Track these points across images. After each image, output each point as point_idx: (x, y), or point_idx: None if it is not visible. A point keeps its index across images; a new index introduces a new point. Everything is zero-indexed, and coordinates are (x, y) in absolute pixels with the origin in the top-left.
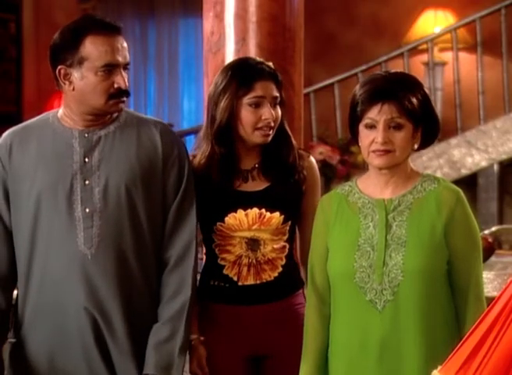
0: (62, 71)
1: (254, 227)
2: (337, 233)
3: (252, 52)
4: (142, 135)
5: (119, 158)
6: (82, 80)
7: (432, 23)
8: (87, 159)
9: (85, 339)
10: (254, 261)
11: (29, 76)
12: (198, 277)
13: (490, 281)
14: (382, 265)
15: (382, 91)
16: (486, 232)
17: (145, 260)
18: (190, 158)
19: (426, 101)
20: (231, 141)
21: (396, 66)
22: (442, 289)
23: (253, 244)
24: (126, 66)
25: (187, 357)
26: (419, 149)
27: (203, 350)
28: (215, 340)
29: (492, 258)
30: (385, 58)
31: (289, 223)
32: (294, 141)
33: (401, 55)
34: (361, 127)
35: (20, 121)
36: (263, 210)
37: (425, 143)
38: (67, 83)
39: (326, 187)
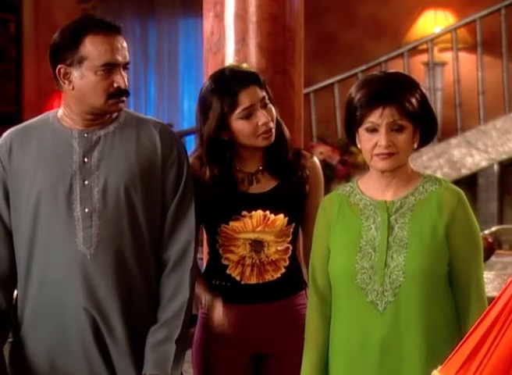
0: (62, 70)
1: (258, 229)
2: (338, 234)
3: (252, 52)
4: (141, 135)
5: (118, 159)
6: (82, 80)
7: (432, 23)
8: (86, 159)
9: (85, 339)
10: (258, 262)
11: (29, 76)
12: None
13: (490, 281)
14: (383, 266)
15: (382, 93)
16: (486, 232)
17: (144, 260)
18: (193, 160)
19: (424, 101)
20: (224, 156)
21: (396, 66)
22: (444, 290)
23: (257, 245)
24: (125, 66)
25: (187, 357)
26: (418, 148)
27: (219, 302)
28: (217, 338)
29: (492, 258)
30: (385, 58)
31: (293, 224)
32: (288, 134)
33: (401, 55)
34: (362, 131)
35: (20, 121)
36: (267, 212)
37: (424, 142)
38: (67, 82)
39: (326, 188)
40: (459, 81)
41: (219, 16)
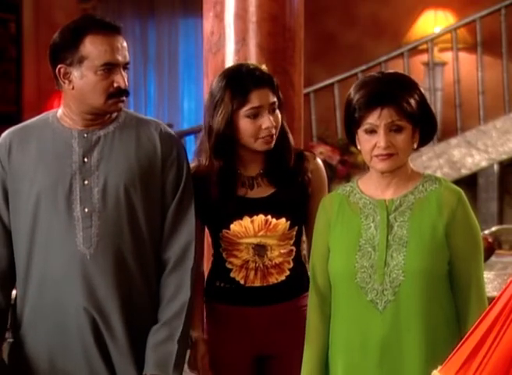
0: (62, 70)
1: (260, 234)
2: (338, 234)
3: (252, 52)
4: (141, 135)
5: (118, 159)
6: (82, 79)
7: (432, 23)
8: (86, 159)
9: (85, 339)
10: (261, 265)
11: (29, 76)
12: (205, 277)
13: (490, 281)
14: (383, 265)
15: (380, 94)
16: (486, 232)
17: (144, 260)
18: (195, 163)
19: (423, 101)
20: (230, 152)
21: (396, 66)
22: (443, 289)
23: (260, 249)
24: (125, 66)
25: (187, 357)
26: (417, 148)
27: (203, 348)
28: (221, 340)
29: (492, 258)
30: (385, 58)
31: (296, 228)
32: (292, 142)
33: (401, 55)
34: (361, 132)
35: (20, 121)
36: (269, 216)
37: (424, 141)
38: (67, 82)
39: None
40: (459, 81)
41: (219, 16)
